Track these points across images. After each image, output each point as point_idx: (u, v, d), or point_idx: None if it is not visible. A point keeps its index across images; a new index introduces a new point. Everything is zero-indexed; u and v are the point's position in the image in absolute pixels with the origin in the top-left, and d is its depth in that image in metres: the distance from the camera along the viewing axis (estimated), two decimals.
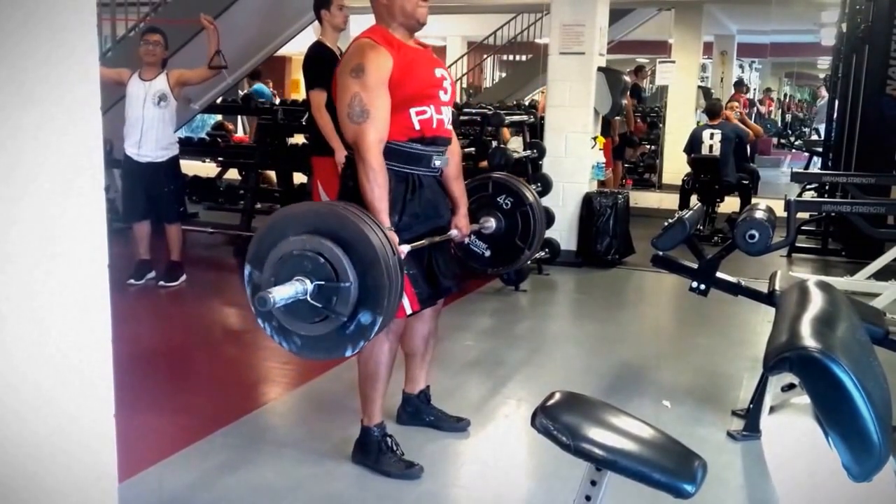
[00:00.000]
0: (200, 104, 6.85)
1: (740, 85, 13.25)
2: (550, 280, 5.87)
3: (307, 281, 2.20)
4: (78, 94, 1.59)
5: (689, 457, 1.37)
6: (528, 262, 4.85)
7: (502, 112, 6.84)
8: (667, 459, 1.37)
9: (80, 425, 1.68)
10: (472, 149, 6.30)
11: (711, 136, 7.57)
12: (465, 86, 14.72)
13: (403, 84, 2.58)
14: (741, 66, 16.43)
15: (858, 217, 5.03)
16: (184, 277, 5.41)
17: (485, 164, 5.75)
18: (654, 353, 4.38)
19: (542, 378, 3.90)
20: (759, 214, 3.34)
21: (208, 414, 3.29)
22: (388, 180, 2.56)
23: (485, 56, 15.73)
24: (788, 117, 17.17)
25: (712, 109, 8.09)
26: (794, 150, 13.33)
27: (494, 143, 6.27)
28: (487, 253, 3.26)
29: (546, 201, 5.46)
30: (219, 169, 8.00)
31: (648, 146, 10.94)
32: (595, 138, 6.40)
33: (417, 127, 2.64)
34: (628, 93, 7.82)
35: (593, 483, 1.43)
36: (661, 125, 10.80)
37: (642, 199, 8.95)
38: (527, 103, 10.95)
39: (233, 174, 8.09)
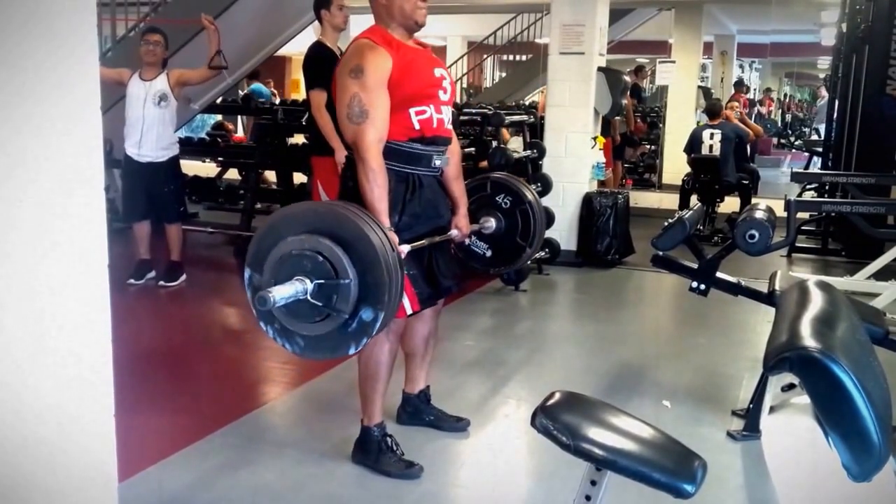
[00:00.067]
0: (200, 104, 6.85)
1: (740, 85, 13.25)
2: (550, 280, 5.87)
3: (307, 280, 2.20)
4: (78, 95, 1.59)
5: (689, 457, 1.37)
6: (528, 262, 4.85)
7: (502, 112, 6.84)
8: (667, 459, 1.37)
9: (80, 425, 1.68)
10: (472, 149, 6.31)
11: (711, 136, 7.57)
12: (465, 86, 14.71)
13: (403, 84, 2.58)
14: (741, 66, 16.44)
15: (858, 217, 5.03)
16: (184, 277, 5.41)
17: (485, 164, 5.75)
18: (654, 353, 4.38)
19: (542, 378, 3.90)
20: (759, 214, 3.34)
21: (208, 414, 3.29)
22: (389, 180, 2.56)
23: (485, 56, 15.73)
24: (788, 117, 17.17)
25: (712, 109, 8.09)
26: (794, 150, 13.33)
27: (494, 143, 6.27)
28: (489, 253, 3.26)
29: (546, 201, 5.46)
30: (219, 169, 8.00)
31: (648, 146, 10.94)
32: (595, 138, 6.40)
33: (417, 127, 2.64)
34: (628, 93, 7.82)
35: (593, 483, 1.43)
36: (661, 125, 10.80)
37: (642, 199, 8.95)
38: (527, 104, 10.97)
39: (233, 174, 8.10)
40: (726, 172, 7.46)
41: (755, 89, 16.85)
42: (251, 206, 6.65)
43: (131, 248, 5.42)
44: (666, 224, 3.47)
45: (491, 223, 3.18)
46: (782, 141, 14.13)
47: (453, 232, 2.89)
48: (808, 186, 7.80)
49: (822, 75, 15.78)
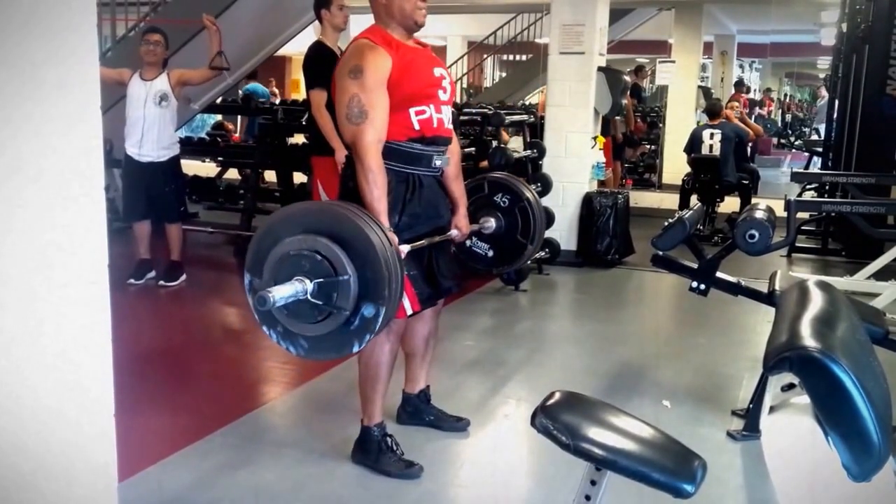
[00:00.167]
0: (200, 104, 6.85)
1: (741, 85, 13.25)
2: (550, 280, 5.87)
3: (307, 280, 2.20)
4: (78, 95, 1.59)
5: (689, 457, 1.37)
6: (529, 262, 4.85)
7: (502, 112, 6.84)
8: (667, 459, 1.37)
9: (80, 425, 1.68)
10: (472, 149, 6.30)
11: (711, 135, 7.57)
12: (465, 86, 14.71)
13: (402, 84, 2.58)
14: (741, 66, 16.44)
15: (858, 217, 5.03)
16: (184, 277, 5.41)
17: (485, 163, 5.75)
18: (654, 352, 4.38)
19: (541, 378, 3.90)
20: (759, 214, 3.34)
21: (208, 414, 3.29)
22: (389, 180, 2.57)
23: (485, 56, 15.73)
24: (788, 117, 17.17)
25: (712, 109, 8.09)
26: (794, 150, 13.34)
27: (494, 144, 6.27)
28: (490, 253, 3.26)
29: (546, 201, 5.46)
30: (219, 169, 8.00)
31: (648, 146, 10.94)
32: (595, 138, 6.40)
33: (417, 127, 2.64)
34: (628, 93, 7.82)
35: (593, 483, 1.43)
36: (661, 125, 10.80)
37: (642, 199, 8.95)
38: (527, 104, 10.97)
39: (233, 174, 8.10)
40: (726, 172, 7.46)
41: (756, 90, 16.85)
42: (251, 206, 6.65)
43: (131, 248, 5.42)
44: (666, 224, 3.47)
45: (491, 223, 3.19)
46: (782, 141, 14.13)
47: (453, 232, 2.89)
48: (808, 186, 7.80)
49: (822, 75, 15.80)
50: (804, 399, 1.37)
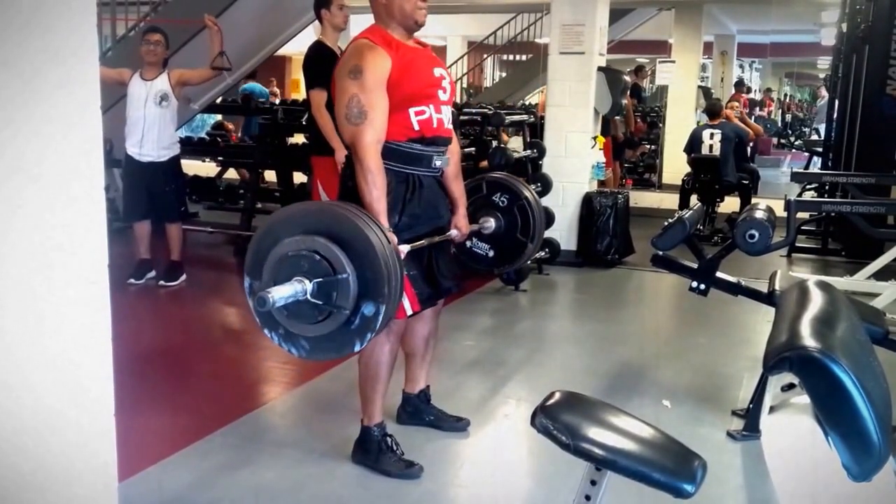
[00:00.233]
0: (200, 104, 6.85)
1: (741, 85, 13.26)
2: (550, 280, 5.87)
3: (306, 280, 2.20)
4: (78, 95, 1.59)
5: (689, 457, 1.37)
6: (529, 262, 4.85)
7: (502, 112, 6.84)
8: (667, 459, 1.37)
9: (80, 425, 1.68)
10: (472, 149, 6.30)
11: (711, 135, 7.57)
12: (465, 86, 14.72)
13: (402, 84, 2.57)
14: (741, 66, 16.44)
15: (858, 217, 5.03)
16: (184, 277, 5.41)
17: (485, 163, 5.75)
18: (654, 352, 4.38)
19: (541, 378, 3.90)
20: (759, 214, 3.34)
21: (208, 413, 3.29)
22: (389, 181, 2.56)
23: (485, 56, 15.73)
24: (788, 117, 17.17)
25: (712, 109, 8.09)
26: (794, 150, 13.34)
27: (495, 143, 6.27)
28: (491, 253, 3.27)
29: (546, 201, 5.46)
30: (219, 168, 8.00)
31: (648, 146, 10.94)
32: (595, 138, 6.40)
33: (417, 127, 2.63)
34: (628, 93, 7.81)
35: (593, 483, 1.43)
36: (661, 125, 10.80)
37: (642, 198, 8.95)
38: (527, 104, 10.97)
39: (233, 173, 8.10)
40: (726, 172, 7.46)
41: (756, 90, 16.85)
42: (251, 206, 6.65)
43: (131, 248, 5.42)
44: (666, 224, 3.47)
45: (490, 223, 3.19)
46: (782, 141, 14.13)
47: (453, 232, 2.88)
48: (808, 186, 7.80)
49: (822, 75, 15.80)
50: (804, 399, 1.37)
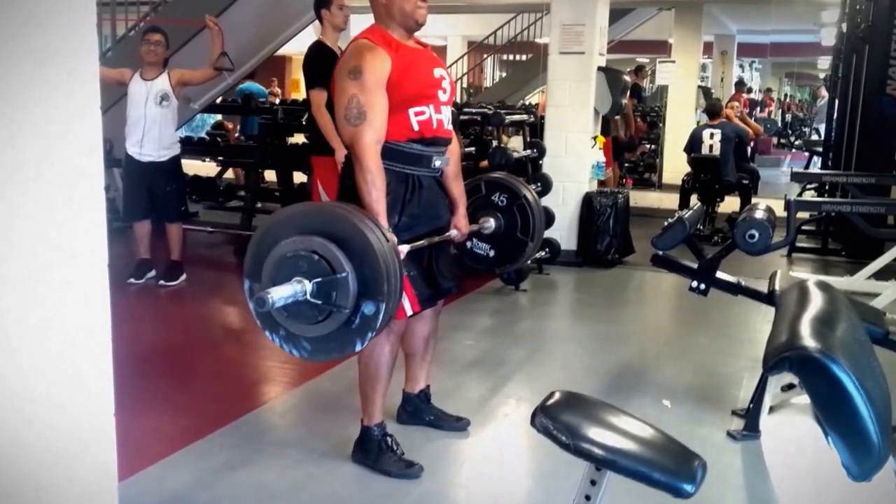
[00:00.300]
0: (200, 104, 6.85)
1: (741, 85, 13.27)
2: (550, 279, 5.87)
3: (305, 281, 2.20)
4: (78, 95, 1.59)
5: (689, 456, 1.37)
6: (529, 262, 4.85)
7: (502, 112, 6.84)
8: (666, 459, 1.37)
9: (80, 424, 1.68)
10: (472, 148, 6.30)
11: (711, 135, 7.57)
12: (465, 85, 14.72)
13: (402, 85, 2.57)
14: (741, 66, 16.45)
15: (858, 217, 5.03)
16: (184, 277, 5.41)
17: (485, 163, 5.75)
18: (654, 352, 4.38)
19: (541, 377, 3.90)
20: (759, 214, 3.35)
21: (208, 413, 3.30)
22: (388, 181, 2.56)
23: (485, 56, 15.73)
24: (788, 117, 17.18)
25: (712, 109, 8.09)
26: (794, 150, 13.35)
27: (495, 143, 6.27)
28: (491, 253, 3.27)
29: (546, 201, 5.46)
30: (219, 168, 8.00)
31: (648, 146, 10.94)
32: (595, 138, 6.40)
33: (416, 128, 2.63)
34: (628, 94, 7.81)
35: (593, 483, 1.43)
36: (661, 125, 10.80)
37: (642, 198, 8.95)
38: (527, 104, 10.97)
39: (233, 173, 8.09)
40: (726, 172, 7.46)
41: (757, 89, 16.85)
42: (251, 206, 6.66)
43: (131, 248, 5.43)
44: (666, 224, 3.47)
45: (490, 223, 3.19)
46: (782, 141, 14.15)
47: (452, 232, 2.88)
48: (808, 186, 7.80)
49: (822, 75, 15.81)
50: (804, 399, 1.37)
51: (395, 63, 2.56)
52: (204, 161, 8.01)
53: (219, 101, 7.59)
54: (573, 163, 6.28)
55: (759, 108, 15.02)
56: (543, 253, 5.78)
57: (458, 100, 11.18)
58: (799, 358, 1.20)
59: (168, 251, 5.39)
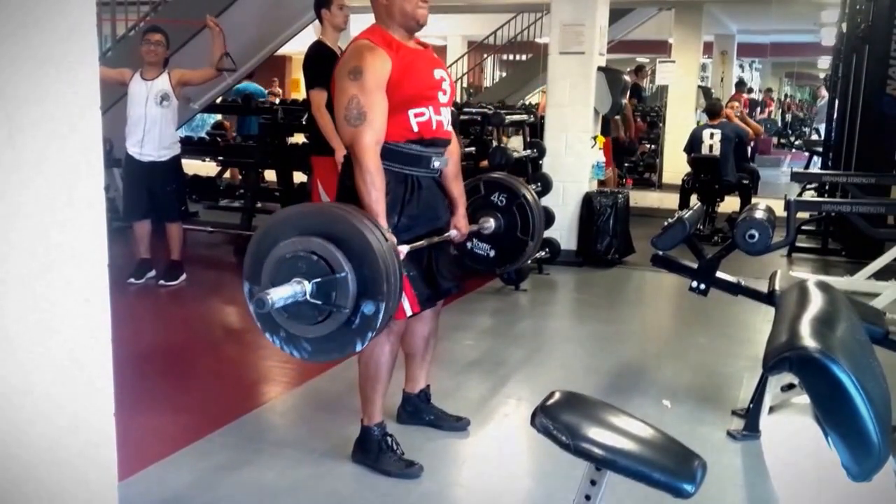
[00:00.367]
0: (200, 104, 6.85)
1: (742, 85, 13.27)
2: (550, 279, 5.87)
3: (305, 281, 2.20)
4: (78, 95, 1.59)
5: (689, 456, 1.37)
6: (529, 262, 4.85)
7: (502, 112, 6.84)
8: (666, 459, 1.37)
9: (80, 424, 1.68)
10: (472, 148, 6.30)
11: (711, 135, 7.57)
12: (465, 85, 14.72)
13: (402, 86, 2.57)
14: (741, 66, 16.45)
15: (858, 217, 5.03)
16: (184, 276, 5.41)
17: (485, 163, 5.75)
18: (654, 352, 4.38)
19: (541, 377, 3.90)
20: (759, 214, 3.35)
21: (208, 413, 3.30)
22: (387, 181, 2.56)
23: (485, 55, 15.74)
24: (788, 117, 17.18)
25: (712, 109, 8.09)
26: (794, 150, 13.35)
27: (495, 143, 6.27)
28: (492, 253, 3.27)
29: (546, 201, 5.46)
30: (219, 168, 8.00)
31: (648, 146, 10.94)
32: (595, 137, 6.40)
33: (416, 129, 2.63)
34: (628, 94, 7.81)
35: (593, 482, 1.43)
36: (661, 125, 10.80)
37: (642, 198, 8.95)
38: (527, 104, 10.97)
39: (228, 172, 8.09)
40: (726, 172, 7.46)
41: (757, 90, 16.85)
42: (251, 206, 6.66)
43: (131, 248, 5.43)
44: (666, 224, 3.48)
45: (490, 223, 3.19)
46: (782, 141, 14.15)
47: (452, 232, 2.88)
48: (808, 186, 7.80)
49: (822, 75, 15.81)
50: (804, 399, 1.37)
51: (396, 64, 2.56)
52: (204, 161, 8.01)
53: (219, 100, 7.59)
54: (573, 163, 6.28)
55: (759, 109, 15.01)
56: (543, 253, 5.78)
57: (458, 99, 11.18)
58: (799, 358, 1.20)
59: (168, 251, 5.39)
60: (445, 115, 2.73)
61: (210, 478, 2.76)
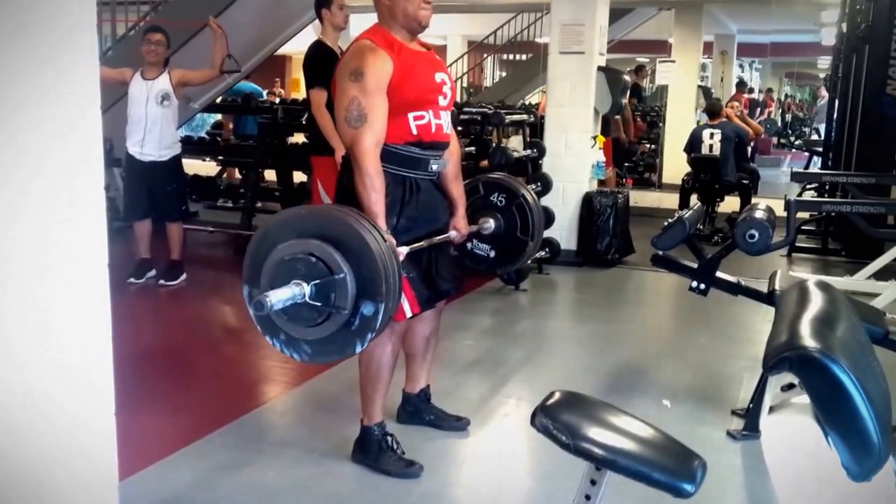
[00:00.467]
0: (200, 103, 6.85)
1: (743, 86, 13.26)
2: (550, 279, 5.87)
3: (304, 284, 2.20)
4: (78, 95, 1.59)
5: (689, 456, 1.37)
6: (529, 262, 4.85)
7: (502, 112, 6.84)
8: (666, 459, 1.37)
9: (80, 424, 1.68)
10: (472, 148, 6.29)
11: (711, 135, 7.57)
12: (465, 85, 14.72)
13: (403, 89, 2.56)
14: (741, 66, 16.44)
15: (858, 217, 5.03)
16: (184, 276, 5.41)
17: (485, 163, 5.75)
18: (654, 352, 4.38)
19: (541, 377, 3.90)
20: (759, 214, 3.35)
21: (208, 413, 3.30)
22: (386, 183, 2.56)
23: (485, 55, 15.73)
24: (788, 117, 17.17)
25: (712, 109, 8.08)
26: (794, 150, 13.34)
27: (495, 143, 6.27)
28: (492, 254, 3.26)
29: (546, 201, 5.47)
30: (218, 168, 7.99)
31: (648, 146, 10.94)
32: (595, 137, 6.40)
33: (415, 132, 2.62)
34: (628, 96, 7.81)
35: (593, 482, 1.43)
36: (661, 125, 10.80)
37: (642, 198, 8.94)
38: (527, 104, 10.96)
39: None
40: (726, 172, 7.46)
41: (758, 90, 16.84)
42: (251, 205, 6.66)
43: (131, 247, 5.43)
44: (666, 224, 3.48)
45: (490, 223, 3.18)
46: (782, 141, 14.14)
47: (451, 233, 2.88)
48: (808, 186, 7.80)
49: (822, 75, 15.80)
50: (804, 399, 1.37)
51: (397, 66, 2.55)
52: (204, 161, 8.01)
53: (218, 100, 7.59)
54: (573, 163, 6.28)
55: (759, 110, 14.99)
56: (543, 253, 5.78)
57: (458, 99, 11.18)
58: (799, 358, 1.20)
59: (168, 251, 5.39)
60: (445, 119, 2.73)
61: (210, 478, 2.76)
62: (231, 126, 9.78)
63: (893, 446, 1.23)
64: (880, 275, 5.25)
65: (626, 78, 6.91)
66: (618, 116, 7.83)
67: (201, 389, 3.68)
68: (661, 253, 3.55)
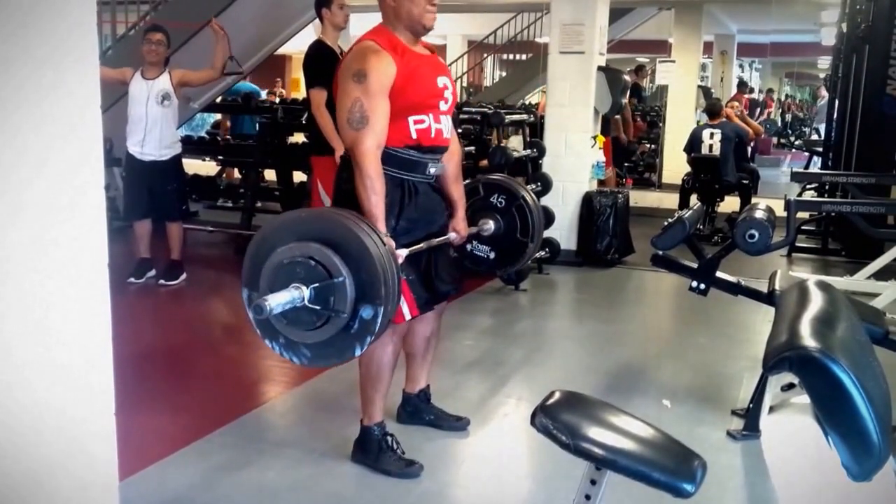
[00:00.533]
0: (200, 103, 6.85)
1: (743, 86, 13.25)
2: (550, 279, 5.87)
3: (303, 287, 2.20)
4: (78, 95, 1.59)
5: (689, 456, 1.37)
6: (529, 262, 4.85)
7: (502, 111, 6.84)
8: (666, 459, 1.37)
9: (80, 424, 1.68)
10: (472, 148, 6.29)
11: (711, 135, 7.57)
12: (465, 85, 14.72)
13: (405, 93, 2.55)
14: (741, 66, 16.44)
15: (858, 217, 5.03)
16: (184, 276, 5.41)
17: (485, 163, 5.75)
18: (654, 352, 4.38)
19: (541, 377, 3.90)
20: (759, 214, 3.35)
21: (208, 413, 3.29)
22: (385, 185, 2.55)
23: (485, 55, 15.74)
24: (788, 117, 17.17)
25: (712, 109, 8.08)
26: (794, 150, 13.34)
27: (495, 143, 6.27)
28: (492, 255, 3.26)
29: (546, 200, 5.47)
30: (218, 168, 7.99)
31: (648, 146, 10.94)
32: (595, 137, 6.40)
33: (414, 136, 2.62)
34: (628, 96, 7.80)
35: (593, 482, 1.43)
36: (661, 125, 10.79)
37: (642, 198, 8.94)
38: (527, 103, 10.96)
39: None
40: (726, 172, 7.46)
41: (758, 90, 16.84)
42: (251, 205, 6.65)
43: (131, 247, 5.43)
44: (666, 224, 3.48)
45: (489, 225, 3.18)
46: (782, 141, 14.14)
47: (451, 235, 2.88)
48: (808, 186, 7.80)
49: (822, 75, 15.81)
50: (804, 399, 1.37)
51: (400, 70, 2.54)
52: (204, 160, 8.01)
53: (218, 100, 7.59)
54: (573, 162, 6.28)
55: (759, 110, 14.99)
56: (543, 253, 5.78)
57: (458, 99, 11.17)
58: (799, 358, 1.20)
59: (168, 250, 5.39)
60: (445, 123, 2.72)
61: (210, 478, 2.76)
62: (228, 125, 9.79)
63: (893, 446, 1.23)
64: (880, 275, 5.25)
65: (626, 78, 6.92)
66: (618, 116, 7.83)
67: (201, 389, 3.68)
68: (661, 253, 3.55)
